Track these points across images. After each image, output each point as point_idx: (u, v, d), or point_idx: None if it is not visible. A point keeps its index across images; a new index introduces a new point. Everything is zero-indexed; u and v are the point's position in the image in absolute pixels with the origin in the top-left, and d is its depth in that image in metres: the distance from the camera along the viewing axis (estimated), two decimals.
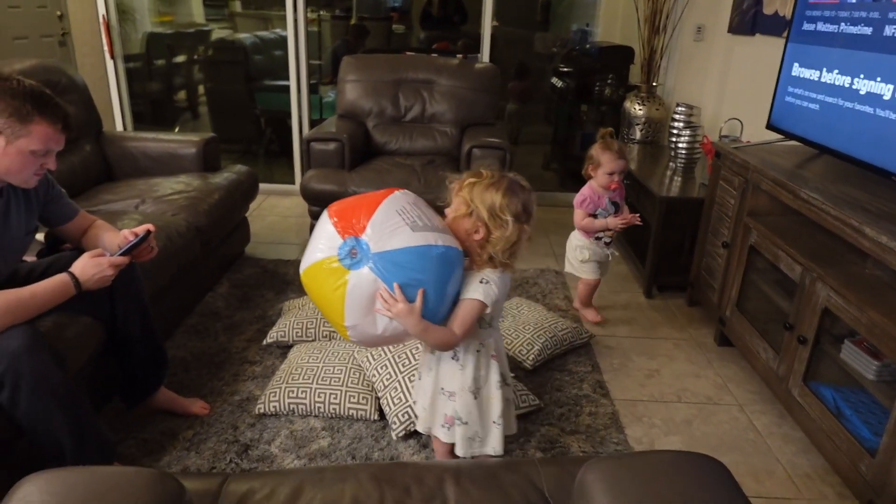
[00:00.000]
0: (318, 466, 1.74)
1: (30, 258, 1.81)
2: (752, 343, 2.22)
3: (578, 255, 2.57)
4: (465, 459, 1.52)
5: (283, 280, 2.90)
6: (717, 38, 3.55)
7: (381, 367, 1.99)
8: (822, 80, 2.15)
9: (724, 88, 3.47)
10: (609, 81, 4.52)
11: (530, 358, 2.23)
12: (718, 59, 3.54)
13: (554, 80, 4.97)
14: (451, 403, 1.51)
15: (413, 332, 1.33)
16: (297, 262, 3.06)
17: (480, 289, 1.39)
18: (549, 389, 2.15)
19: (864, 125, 1.94)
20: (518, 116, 5.13)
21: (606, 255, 2.59)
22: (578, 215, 2.50)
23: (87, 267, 1.56)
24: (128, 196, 2.55)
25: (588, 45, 4.87)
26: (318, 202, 3.05)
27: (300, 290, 2.77)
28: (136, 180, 2.77)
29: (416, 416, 1.72)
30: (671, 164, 3.29)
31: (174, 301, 2.40)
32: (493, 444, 1.55)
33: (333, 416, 1.94)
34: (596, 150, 2.42)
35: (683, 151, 3.20)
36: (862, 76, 1.95)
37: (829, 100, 2.11)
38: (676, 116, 3.34)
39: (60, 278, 1.55)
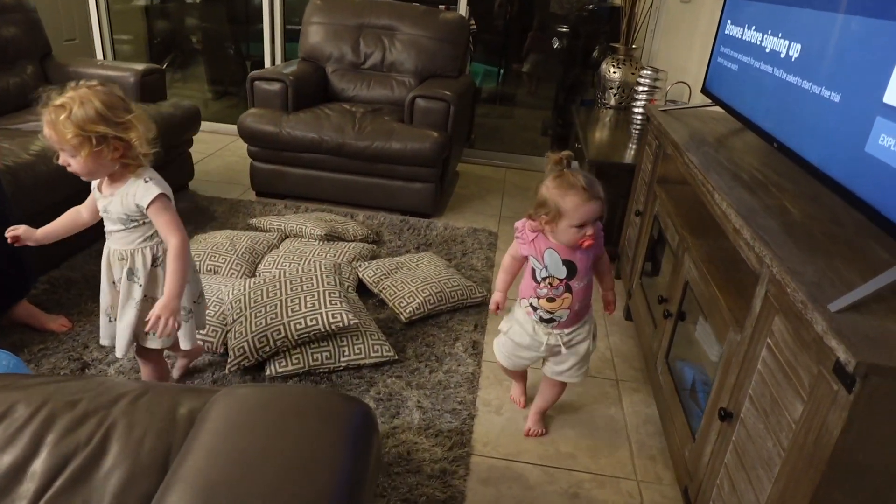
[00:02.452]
0: (39, 375, 1.72)
1: None
2: (643, 318, 2.09)
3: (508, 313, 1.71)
4: (160, 384, 1.56)
5: (209, 216, 2.90)
6: (704, 0, 3.30)
7: (236, 302, 1.97)
8: (743, 37, 1.96)
9: (706, 52, 3.22)
10: (604, 43, 4.30)
11: (407, 311, 2.16)
12: (704, 22, 3.29)
13: (553, 40, 4.75)
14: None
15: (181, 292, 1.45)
16: (231, 202, 3.08)
17: (151, 185, 1.40)
18: (418, 344, 2.08)
19: (762, 87, 1.76)
20: (541, 69, 4.91)
21: (538, 344, 1.61)
22: (511, 248, 1.61)
23: None
24: None
25: (591, 6, 4.63)
26: (254, 142, 3.02)
27: (221, 227, 2.77)
28: None
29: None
30: (632, 129, 3.10)
31: None
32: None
33: None
34: (551, 190, 1.43)
35: (639, 116, 3.01)
36: (769, 32, 1.76)
37: (744, 59, 1.92)
38: (641, 80, 3.14)
39: None
